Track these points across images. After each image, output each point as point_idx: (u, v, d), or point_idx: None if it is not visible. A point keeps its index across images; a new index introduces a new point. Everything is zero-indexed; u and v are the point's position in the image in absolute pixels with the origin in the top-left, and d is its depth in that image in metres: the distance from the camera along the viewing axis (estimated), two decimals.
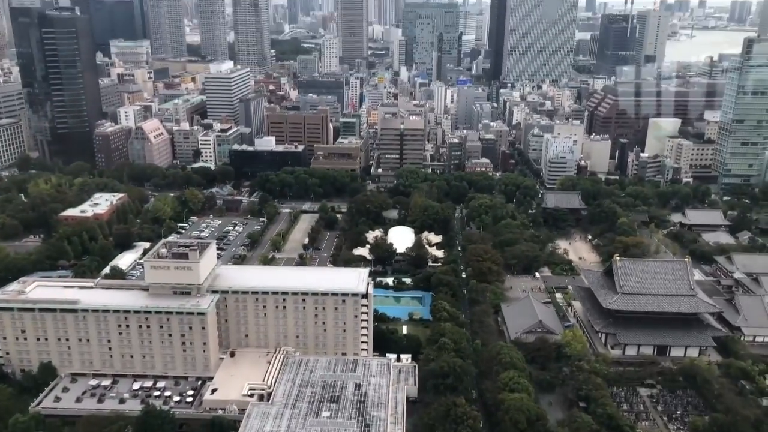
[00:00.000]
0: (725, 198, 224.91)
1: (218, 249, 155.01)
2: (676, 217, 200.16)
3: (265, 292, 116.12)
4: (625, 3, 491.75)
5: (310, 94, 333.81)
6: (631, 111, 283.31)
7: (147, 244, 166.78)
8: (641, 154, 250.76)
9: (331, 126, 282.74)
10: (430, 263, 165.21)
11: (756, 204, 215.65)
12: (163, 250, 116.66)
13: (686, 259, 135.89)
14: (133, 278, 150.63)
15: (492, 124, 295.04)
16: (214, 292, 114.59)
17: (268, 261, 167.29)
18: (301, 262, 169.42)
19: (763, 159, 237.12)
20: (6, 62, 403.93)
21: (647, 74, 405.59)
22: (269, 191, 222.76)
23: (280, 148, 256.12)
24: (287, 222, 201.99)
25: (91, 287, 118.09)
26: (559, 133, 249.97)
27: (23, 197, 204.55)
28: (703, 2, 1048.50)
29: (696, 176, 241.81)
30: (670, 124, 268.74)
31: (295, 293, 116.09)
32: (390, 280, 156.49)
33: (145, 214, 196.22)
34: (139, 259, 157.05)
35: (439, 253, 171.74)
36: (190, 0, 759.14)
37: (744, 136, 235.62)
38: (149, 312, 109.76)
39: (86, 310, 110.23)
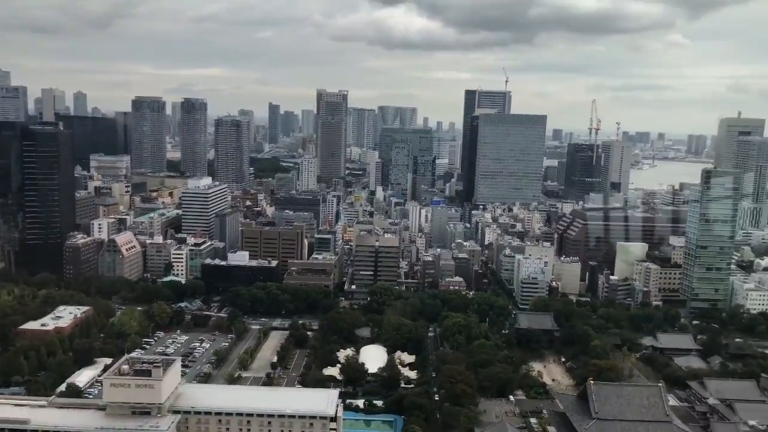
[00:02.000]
0: (695, 322, 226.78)
1: (183, 366, 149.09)
2: (647, 341, 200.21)
3: (229, 414, 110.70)
4: (590, 133, 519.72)
5: (287, 211, 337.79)
6: (599, 235, 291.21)
7: (108, 360, 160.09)
8: (611, 277, 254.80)
9: (306, 242, 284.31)
10: (403, 384, 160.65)
11: (724, 328, 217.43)
12: (125, 367, 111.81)
13: (660, 384, 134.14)
14: (91, 396, 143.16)
15: (465, 243, 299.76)
16: (176, 412, 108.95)
17: (234, 380, 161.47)
18: (269, 381, 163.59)
19: (728, 284, 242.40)
20: None
21: (614, 200, 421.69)
22: (240, 306, 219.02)
23: (254, 263, 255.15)
24: (256, 339, 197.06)
25: (44, 406, 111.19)
26: (530, 255, 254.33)
27: None
28: (662, 135, 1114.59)
29: (665, 299, 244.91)
30: (637, 248, 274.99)
31: (260, 415, 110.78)
32: (360, 403, 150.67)
33: (109, 329, 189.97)
34: (99, 375, 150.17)
35: (412, 374, 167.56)
36: (174, 119, 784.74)
37: (708, 261, 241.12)
38: None
39: (36, 431, 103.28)
